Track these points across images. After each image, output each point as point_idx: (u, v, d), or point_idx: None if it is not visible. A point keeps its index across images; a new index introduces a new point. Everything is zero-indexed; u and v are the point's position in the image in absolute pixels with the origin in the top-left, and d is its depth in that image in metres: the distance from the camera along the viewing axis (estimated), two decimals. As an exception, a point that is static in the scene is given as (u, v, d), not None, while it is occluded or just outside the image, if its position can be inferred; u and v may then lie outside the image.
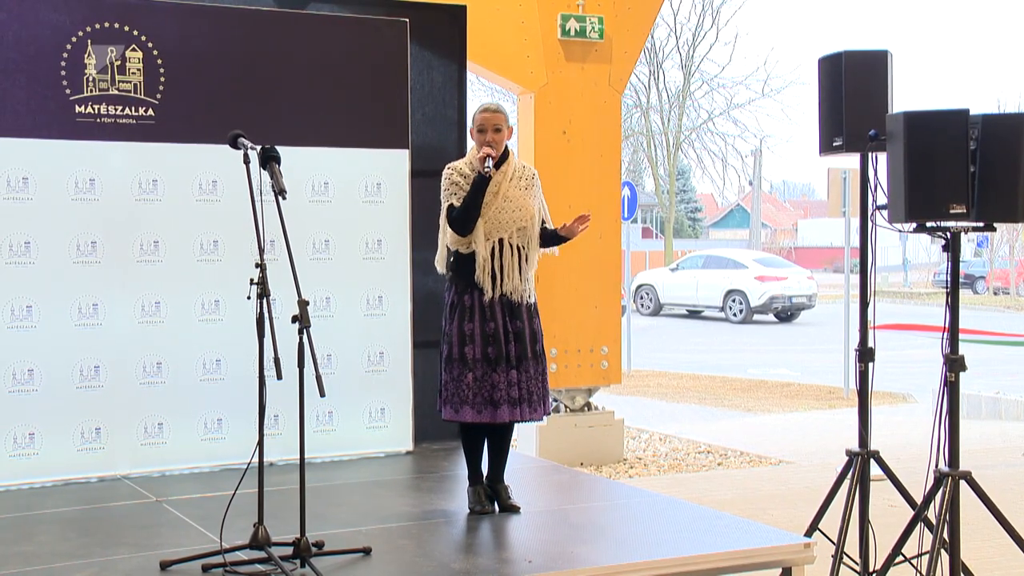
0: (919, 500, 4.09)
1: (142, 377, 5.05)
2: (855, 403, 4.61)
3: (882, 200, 4.11)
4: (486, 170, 4.20)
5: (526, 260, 4.38)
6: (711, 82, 31.20)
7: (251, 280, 3.55)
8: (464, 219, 4.26)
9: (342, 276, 5.44)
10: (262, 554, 3.51)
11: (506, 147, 4.36)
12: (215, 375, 5.17)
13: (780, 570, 3.94)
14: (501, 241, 4.32)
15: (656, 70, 30.80)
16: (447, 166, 4.44)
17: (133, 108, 5.01)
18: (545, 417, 4.51)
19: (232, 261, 5.15)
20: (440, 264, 4.46)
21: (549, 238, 4.43)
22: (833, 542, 4.33)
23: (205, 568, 3.53)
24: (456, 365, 4.29)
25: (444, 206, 4.35)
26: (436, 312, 4.75)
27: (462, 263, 4.36)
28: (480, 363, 4.26)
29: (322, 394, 3.36)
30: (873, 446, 4.42)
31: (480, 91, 26.59)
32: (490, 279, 4.29)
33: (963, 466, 3.92)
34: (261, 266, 3.54)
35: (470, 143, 4.53)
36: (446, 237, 4.39)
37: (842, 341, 11.56)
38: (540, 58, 7.10)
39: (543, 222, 4.47)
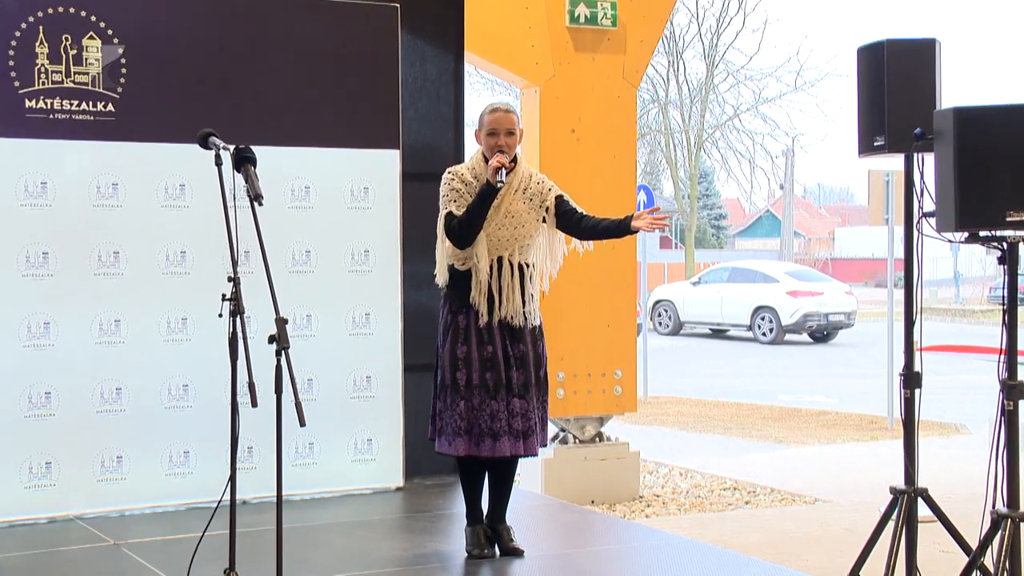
0: (974, 545, 4.07)
1: (99, 405, 5.05)
2: (900, 434, 4.59)
3: (929, 206, 4.12)
4: (498, 182, 4.16)
5: (530, 279, 4.38)
6: (737, 74, 31.27)
7: (223, 296, 3.55)
8: (465, 231, 4.24)
9: (325, 291, 5.44)
10: (233, 604, 3.50)
11: (515, 155, 4.34)
12: (181, 402, 5.17)
13: (817, 623, 3.93)
14: (500, 260, 4.32)
15: (676, 61, 30.88)
16: (447, 170, 4.42)
17: (91, 103, 5.02)
18: (542, 449, 4.49)
19: (201, 274, 5.15)
20: (441, 278, 4.44)
21: (599, 230, 4.30)
22: (876, 591, 4.31)
23: (169, 620, 3.52)
24: (448, 392, 4.29)
25: (442, 213, 4.35)
26: (429, 331, 4.75)
27: (457, 279, 4.35)
28: (477, 390, 4.26)
29: (302, 423, 3.35)
30: (921, 483, 4.41)
31: (479, 85, 26.67)
32: (487, 302, 4.28)
33: None
34: (234, 280, 3.54)
35: (470, 145, 4.52)
36: (444, 248, 4.38)
37: (885, 364, 11.54)
38: (546, 48, 7.11)
39: (569, 210, 4.35)
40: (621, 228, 4.25)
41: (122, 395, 5.09)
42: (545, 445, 4.47)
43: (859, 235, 49.07)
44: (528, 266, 4.38)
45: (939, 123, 3.95)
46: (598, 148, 7.27)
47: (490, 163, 4.20)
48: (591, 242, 4.51)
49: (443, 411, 4.31)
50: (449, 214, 4.29)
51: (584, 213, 4.41)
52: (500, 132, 4.28)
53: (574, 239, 4.48)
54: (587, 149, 7.23)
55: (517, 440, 4.26)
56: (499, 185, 4.17)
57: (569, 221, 4.39)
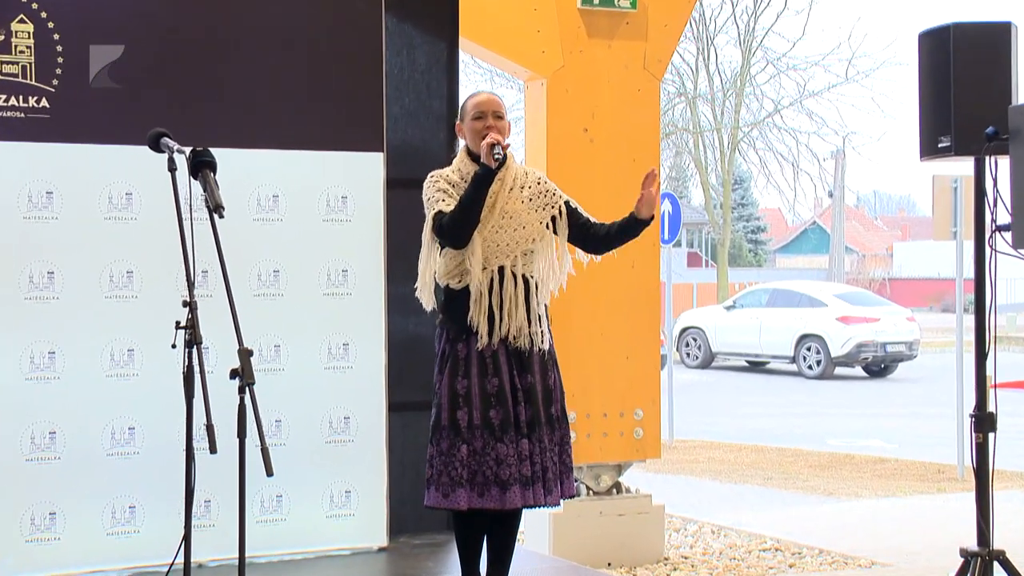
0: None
1: (28, 451, 5.05)
2: (972, 486, 4.60)
3: (1004, 218, 4.14)
4: (496, 154, 4.25)
5: (535, 295, 4.41)
6: (778, 63, 31.38)
7: (177, 323, 3.57)
8: (459, 226, 4.29)
9: (296, 317, 5.45)
10: None
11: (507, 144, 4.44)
12: (127, 448, 5.18)
13: None
14: (501, 270, 4.36)
15: (706, 48, 30.99)
16: (430, 174, 4.50)
17: (21, 98, 5.05)
18: (563, 501, 4.52)
19: (151, 298, 5.17)
20: (424, 295, 4.49)
21: (612, 235, 4.49)
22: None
23: None
24: (445, 434, 4.31)
25: (429, 216, 4.40)
26: (417, 365, 4.78)
27: (453, 300, 4.39)
28: (480, 431, 4.28)
29: (269, 472, 3.36)
30: (997, 544, 4.41)
31: (476, 77, 26.78)
32: (486, 319, 4.32)
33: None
34: (190, 305, 3.56)
35: (461, 143, 4.59)
36: (431, 263, 4.42)
37: (954, 403, 11.53)
38: (554, 33, 7.14)
39: (584, 222, 4.51)
40: (630, 222, 4.42)
41: (56, 440, 5.09)
42: (571, 495, 4.49)
43: (922, 251, 49.06)
44: (532, 279, 4.44)
45: (1015, 120, 3.98)
46: (615, 150, 7.28)
47: (483, 142, 4.31)
48: (605, 252, 4.62)
49: (435, 457, 4.32)
50: (439, 213, 4.36)
51: (596, 221, 4.55)
52: (488, 114, 4.44)
53: (579, 250, 4.57)
54: (602, 151, 7.25)
55: (526, 488, 4.29)
56: (497, 157, 4.25)
57: (586, 233, 4.52)
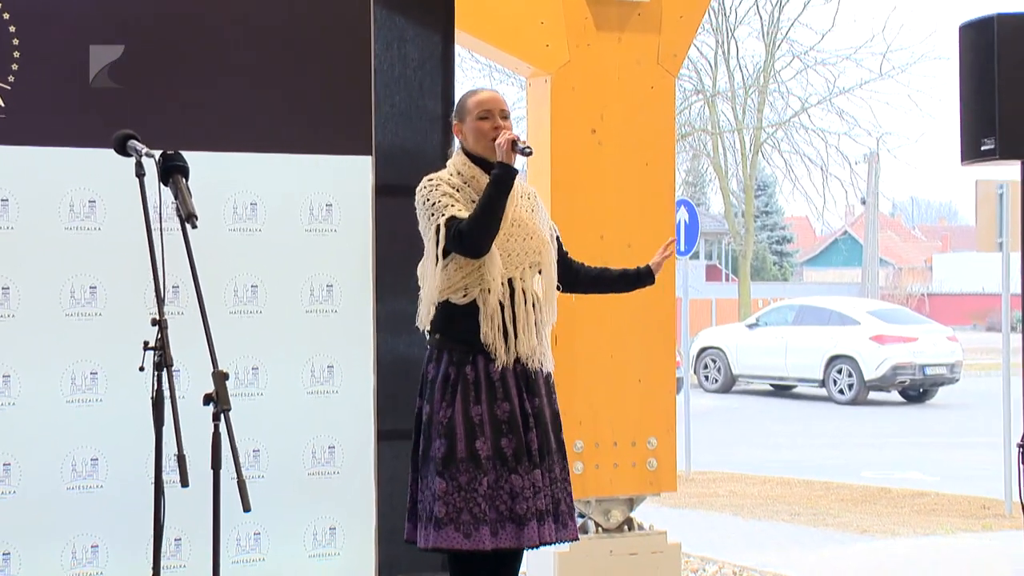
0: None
1: (-18, 484, 5.05)
2: (1020, 523, 4.59)
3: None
4: (525, 150, 4.30)
5: (542, 311, 4.43)
6: (805, 57, 31.45)
7: (145, 343, 3.56)
8: (485, 229, 4.29)
9: (276, 337, 5.45)
10: None
11: None
12: (89, 481, 5.16)
13: None
14: (512, 284, 4.39)
15: (726, 40, 31.07)
16: (425, 179, 4.50)
17: (-26, 96, 5.05)
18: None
19: (117, 316, 5.16)
20: (424, 322, 4.48)
21: (607, 279, 4.76)
22: None
23: None
24: (464, 467, 4.31)
25: (434, 225, 4.37)
26: (409, 389, 4.76)
27: (453, 319, 4.40)
28: (493, 462, 4.31)
29: (246, 507, 3.35)
30: (1048, 585, 4.39)
31: (474, 73, 26.91)
32: (502, 337, 4.33)
33: None
34: (160, 323, 3.56)
35: (458, 145, 4.60)
36: (436, 280, 4.40)
37: (1000, 431, 11.51)
38: (559, 25, 7.14)
39: (564, 252, 4.66)
40: (638, 277, 4.75)
41: (11, 472, 5.07)
42: (575, 538, 4.50)
43: (964, 264, 49.16)
44: (538, 293, 4.48)
45: (1065, 120, 3.97)
46: (626, 153, 7.28)
47: (499, 139, 4.33)
48: (582, 293, 4.89)
49: (452, 493, 4.29)
50: (451, 218, 4.35)
51: (574, 259, 4.77)
52: (494, 113, 4.46)
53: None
54: (611, 154, 7.24)
55: (541, 522, 4.31)
56: (527, 152, 4.31)
57: (567, 268, 4.70)
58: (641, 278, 4.79)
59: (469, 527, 4.27)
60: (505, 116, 4.48)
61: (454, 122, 4.61)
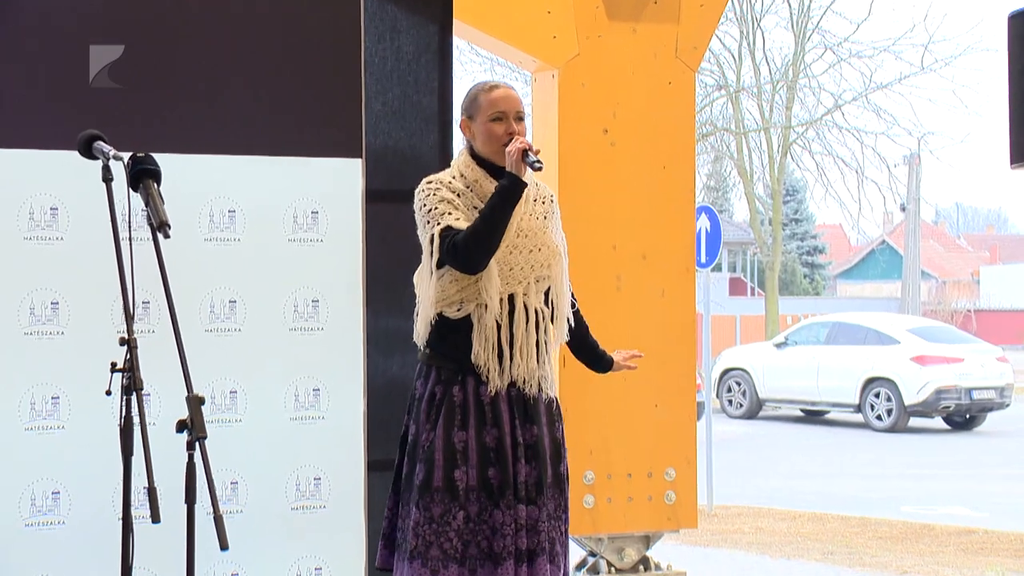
0: None
1: (-65, 518, 5.05)
2: (1074, 561, 4.59)
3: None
4: (535, 164, 4.26)
5: (545, 331, 4.42)
6: (839, 49, 31.47)
7: (112, 365, 3.56)
8: (483, 245, 4.26)
9: (257, 357, 5.45)
10: None
11: None
12: (50, 516, 5.16)
13: None
14: (512, 300, 4.37)
15: (751, 32, 31.10)
16: (425, 180, 4.49)
17: (-72, 93, 5.07)
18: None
19: (81, 334, 5.16)
20: (422, 337, 4.48)
21: (579, 342, 4.78)
22: None
23: None
24: (439, 498, 4.30)
25: (430, 233, 4.37)
26: (402, 415, 4.77)
27: (445, 334, 4.40)
28: (476, 494, 4.29)
29: (223, 545, 3.35)
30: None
31: (473, 67, 26.94)
32: (496, 359, 4.32)
33: None
34: (129, 343, 3.56)
35: (457, 145, 4.59)
36: (429, 291, 4.40)
37: (1054, 461, 11.50)
38: (568, 15, 7.16)
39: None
40: (599, 359, 4.89)
41: (-32, 505, 5.08)
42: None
43: (1015, 277, 49.17)
44: (543, 311, 4.44)
45: (1121, 119, 3.98)
46: (641, 155, 7.29)
47: (510, 147, 4.28)
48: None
49: (422, 525, 4.30)
50: (447, 228, 4.32)
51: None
52: (509, 116, 4.41)
53: None
54: (625, 156, 7.25)
55: (520, 563, 4.28)
56: (538, 166, 4.26)
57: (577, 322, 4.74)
58: (599, 363, 4.93)
59: (437, 563, 4.27)
60: (520, 119, 4.43)
61: (462, 117, 4.55)
